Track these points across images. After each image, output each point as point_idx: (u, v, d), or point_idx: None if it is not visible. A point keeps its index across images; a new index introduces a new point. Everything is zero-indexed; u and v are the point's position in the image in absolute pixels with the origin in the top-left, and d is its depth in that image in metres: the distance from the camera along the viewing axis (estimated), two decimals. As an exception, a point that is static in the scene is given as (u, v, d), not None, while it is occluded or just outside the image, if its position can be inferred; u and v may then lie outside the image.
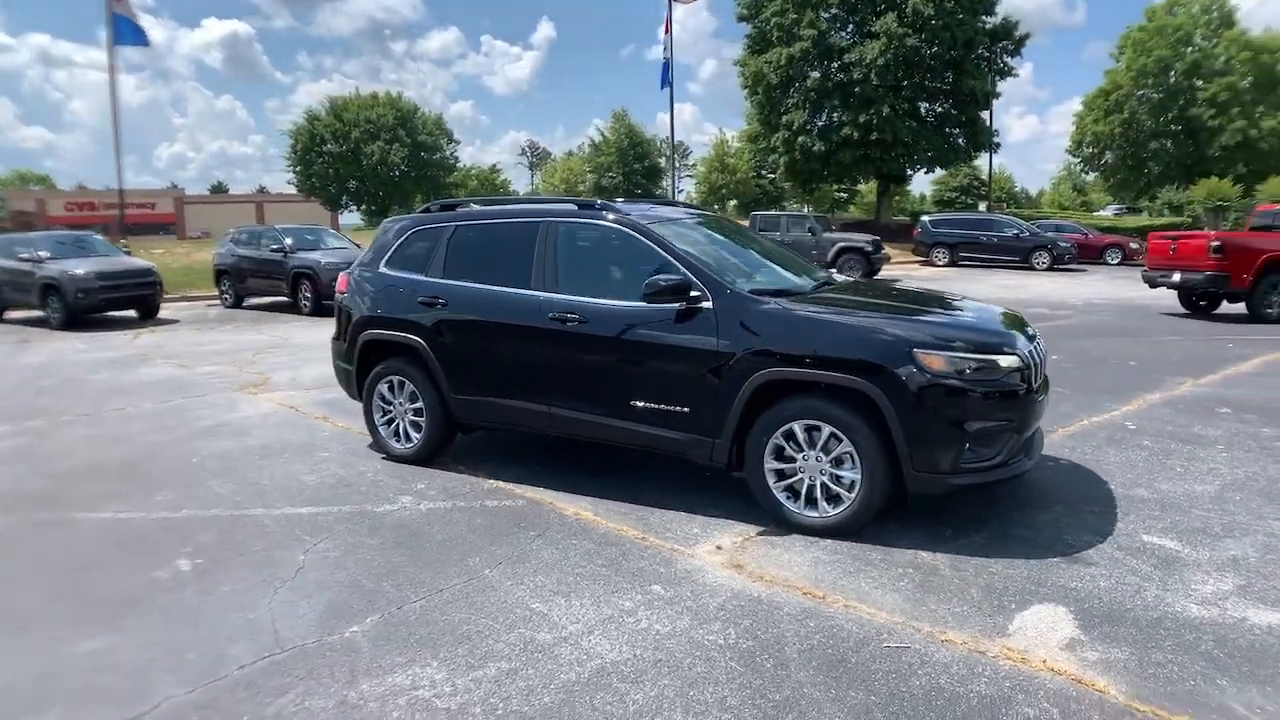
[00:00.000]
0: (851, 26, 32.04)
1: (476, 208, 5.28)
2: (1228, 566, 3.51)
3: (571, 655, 2.87)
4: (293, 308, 14.49)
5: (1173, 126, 43.22)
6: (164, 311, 14.44)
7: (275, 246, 14.33)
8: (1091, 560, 3.58)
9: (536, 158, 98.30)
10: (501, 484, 4.76)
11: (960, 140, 32.68)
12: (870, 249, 20.38)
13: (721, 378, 3.98)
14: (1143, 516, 4.08)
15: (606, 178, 63.11)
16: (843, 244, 20.72)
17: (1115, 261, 26.13)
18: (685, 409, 4.13)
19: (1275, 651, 2.83)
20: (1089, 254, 26.07)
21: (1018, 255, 24.26)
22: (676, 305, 4.09)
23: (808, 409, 3.83)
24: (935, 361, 3.63)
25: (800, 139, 32.79)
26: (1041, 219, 30.03)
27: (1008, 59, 32.34)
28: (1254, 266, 11.01)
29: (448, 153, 57.22)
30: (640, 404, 4.26)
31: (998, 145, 32.79)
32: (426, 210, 5.49)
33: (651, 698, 2.61)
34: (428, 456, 5.13)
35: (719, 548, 3.80)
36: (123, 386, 7.95)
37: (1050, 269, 23.59)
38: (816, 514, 3.89)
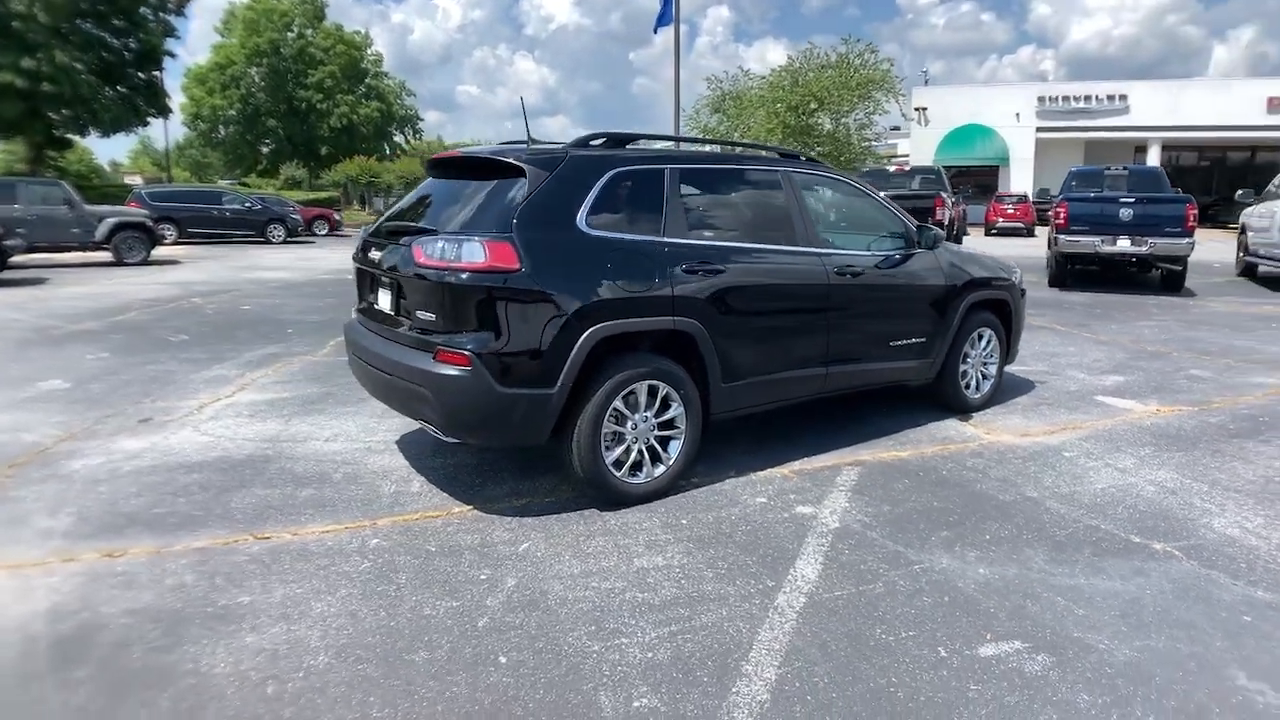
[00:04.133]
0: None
1: (677, 149, 4.02)
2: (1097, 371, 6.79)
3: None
4: None
5: (283, 107, 46.61)
6: None
7: None
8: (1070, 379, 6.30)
9: None
10: (756, 475, 4.11)
11: (139, 102, 28.42)
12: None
13: (946, 306, 4.90)
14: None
15: None
16: None
17: (324, 232, 28.15)
18: (923, 339, 4.83)
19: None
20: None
21: (253, 229, 23.84)
22: (923, 250, 4.74)
23: (985, 320, 5.21)
24: (1017, 276, 5.59)
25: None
26: (256, 194, 29.30)
27: (168, 17, 29.59)
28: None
29: None
30: (895, 343, 4.69)
31: (170, 111, 29.97)
32: (585, 144, 3.76)
33: None
34: (672, 483, 3.85)
35: (984, 433, 4.89)
36: None
37: (285, 242, 24.04)
38: (980, 395, 5.34)
